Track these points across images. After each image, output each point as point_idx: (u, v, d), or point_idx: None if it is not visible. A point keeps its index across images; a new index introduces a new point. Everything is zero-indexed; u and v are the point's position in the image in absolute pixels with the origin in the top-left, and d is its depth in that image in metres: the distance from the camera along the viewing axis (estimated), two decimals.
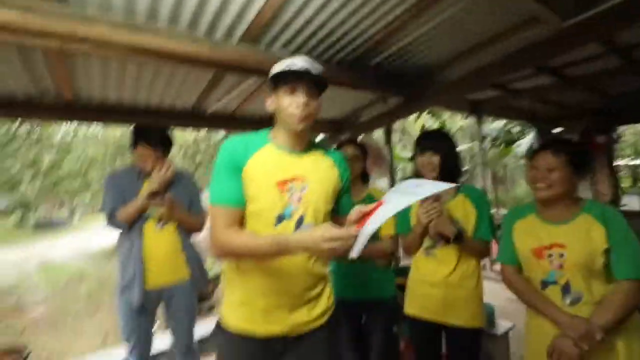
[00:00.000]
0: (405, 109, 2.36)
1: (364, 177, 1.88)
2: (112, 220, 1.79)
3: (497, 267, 4.65)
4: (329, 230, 0.87)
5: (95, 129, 7.09)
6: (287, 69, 1.03)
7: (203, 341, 2.65)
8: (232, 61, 1.55)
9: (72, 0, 1.19)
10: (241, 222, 1.06)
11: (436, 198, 1.40)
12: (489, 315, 2.20)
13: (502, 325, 2.20)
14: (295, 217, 1.05)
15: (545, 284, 1.24)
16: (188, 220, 1.87)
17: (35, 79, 1.79)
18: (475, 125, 4.83)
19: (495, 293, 2.55)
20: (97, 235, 12.50)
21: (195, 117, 2.49)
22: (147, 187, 1.77)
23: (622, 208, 4.06)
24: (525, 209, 1.38)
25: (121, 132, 7.26)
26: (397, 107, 2.48)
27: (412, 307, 1.63)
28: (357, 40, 1.76)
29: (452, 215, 1.51)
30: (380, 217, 0.87)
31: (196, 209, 1.94)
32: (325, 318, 1.12)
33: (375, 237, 1.67)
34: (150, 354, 1.89)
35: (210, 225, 1.04)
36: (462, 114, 5.44)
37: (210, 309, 4.74)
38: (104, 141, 7.03)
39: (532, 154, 1.31)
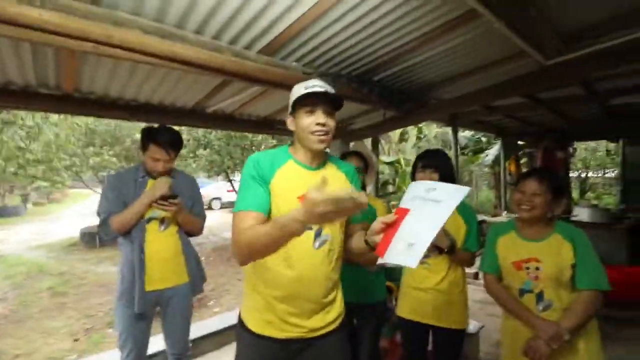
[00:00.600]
0: (399, 122, 2.53)
1: (363, 187, 2.01)
2: (104, 227, 1.72)
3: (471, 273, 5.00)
4: (314, 193, 0.82)
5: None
6: (307, 91, 1.10)
7: (194, 342, 2.66)
8: (251, 73, 1.61)
9: (105, 2, 1.20)
10: None
11: None
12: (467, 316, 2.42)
13: (474, 324, 2.43)
14: (315, 228, 1.14)
15: (522, 292, 1.45)
16: (190, 223, 1.87)
17: (39, 70, 1.74)
18: (448, 133, 5.16)
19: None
20: (54, 225, 11.72)
21: (195, 116, 2.49)
22: (152, 191, 1.71)
23: (574, 219, 4.51)
24: (507, 227, 1.59)
25: (94, 119, 6.89)
26: (391, 119, 2.64)
27: (404, 310, 1.79)
28: (365, 59, 1.89)
29: (446, 227, 1.69)
30: (429, 225, 0.89)
31: (197, 211, 1.94)
32: (339, 322, 1.22)
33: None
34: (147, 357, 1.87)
35: (234, 232, 1.05)
36: (439, 123, 5.76)
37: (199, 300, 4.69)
38: (76, 127, 6.63)
39: (518, 180, 1.51)
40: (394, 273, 2.59)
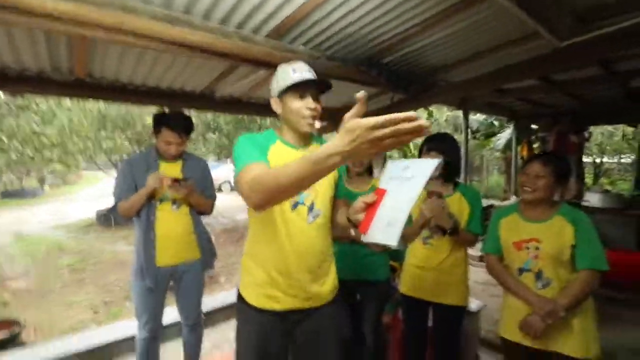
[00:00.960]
0: (407, 105, 2.52)
1: (370, 169, 2.04)
2: (114, 212, 1.83)
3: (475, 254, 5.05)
4: (352, 123, 0.69)
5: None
6: (299, 80, 1.16)
7: (207, 314, 2.81)
8: (259, 57, 1.63)
9: None
10: None
11: (439, 195, 1.59)
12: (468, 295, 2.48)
13: (475, 303, 2.49)
14: (308, 203, 1.22)
15: (521, 270, 1.50)
16: (202, 204, 1.95)
17: (53, 57, 1.79)
18: (459, 116, 5.07)
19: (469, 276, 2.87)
20: (70, 206, 12.13)
21: (204, 100, 2.53)
22: (149, 184, 1.76)
23: (584, 204, 4.47)
24: (510, 209, 1.62)
25: (105, 104, 6.99)
26: (398, 102, 2.63)
27: (406, 287, 1.86)
28: (372, 42, 1.88)
29: (449, 210, 1.72)
30: (404, 204, 0.90)
31: (208, 192, 2.03)
32: (333, 295, 1.30)
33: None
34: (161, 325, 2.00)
35: (241, 183, 0.99)
36: (449, 107, 5.66)
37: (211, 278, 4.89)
38: (88, 112, 6.76)
39: (524, 162, 1.52)
40: (398, 254, 2.65)
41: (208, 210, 2.02)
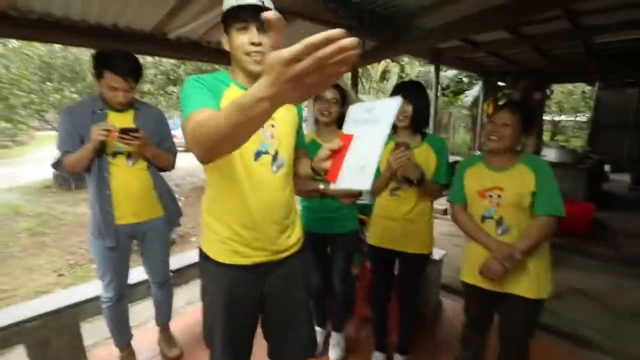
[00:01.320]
0: (378, 54, 2.38)
1: (340, 121, 1.95)
2: (59, 168, 1.63)
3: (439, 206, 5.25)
4: (269, 58, 0.52)
5: (17, 44, 5.85)
6: (236, 4, 0.96)
7: (175, 272, 2.76)
8: None
9: None
10: None
11: (407, 146, 1.54)
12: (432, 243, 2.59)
13: (438, 252, 2.62)
14: (272, 152, 1.11)
15: (483, 218, 1.53)
16: (159, 158, 1.77)
17: None
18: (431, 72, 5.00)
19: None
20: (24, 168, 11.20)
21: (155, 42, 2.23)
22: (92, 138, 1.55)
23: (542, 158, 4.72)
24: (475, 159, 1.64)
25: (47, 49, 6.13)
26: (370, 51, 2.48)
27: (374, 238, 1.88)
28: None
29: (417, 160, 1.69)
30: (374, 146, 0.85)
31: (167, 145, 1.84)
32: (299, 245, 1.26)
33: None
34: (128, 284, 1.91)
35: (185, 133, 0.86)
36: (422, 61, 5.55)
37: (172, 243, 4.79)
38: (28, 60, 5.92)
39: (493, 112, 1.49)
40: (366, 207, 2.68)
41: (168, 165, 1.84)
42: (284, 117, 1.16)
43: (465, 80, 8.74)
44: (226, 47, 1.06)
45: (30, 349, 1.80)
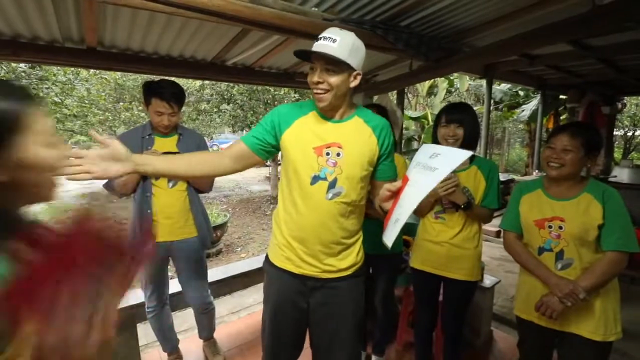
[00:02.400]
0: (428, 73, 2.37)
1: (395, 144, 1.98)
2: (109, 189, 1.80)
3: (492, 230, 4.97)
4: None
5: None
6: (309, 49, 1.10)
7: (220, 282, 2.91)
8: (269, 19, 1.54)
9: None
10: (239, 158, 1.23)
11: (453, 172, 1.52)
12: (480, 270, 2.46)
13: (490, 279, 2.47)
14: (329, 179, 1.17)
15: (541, 250, 1.41)
16: (198, 180, 1.87)
17: (63, 24, 1.76)
18: (482, 86, 4.81)
19: (484, 252, 2.84)
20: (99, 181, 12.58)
21: (215, 69, 2.47)
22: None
23: (612, 179, 4.25)
24: (533, 185, 1.51)
25: (121, 73, 7.00)
26: (419, 70, 2.48)
27: (417, 261, 1.83)
28: (391, 2, 1.74)
29: (464, 184, 1.65)
30: (411, 202, 0.86)
31: None
32: (353, 270, 1.28)
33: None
34: (169, 294, 2.05)
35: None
36: (472, 75, 5.36)
37: (218, 253, 5.06)
38: (105, 83, 6.81)
39: (550, 134, 1.41)
40: (412, 227, 2.62)
41: (206, 187, 1.95)
42: (354, 147, 1.20)
43: (521, 93, 8.22)
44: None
45: None
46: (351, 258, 1.26)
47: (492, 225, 5.13)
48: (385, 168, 1.27)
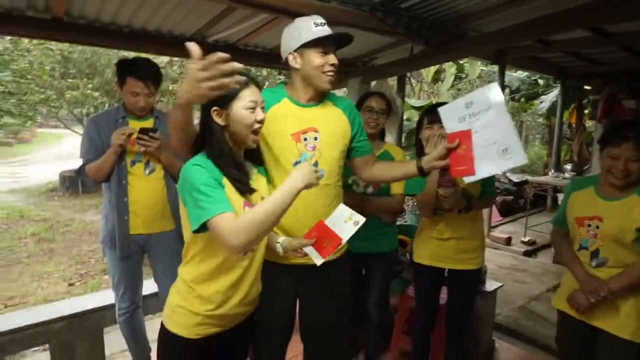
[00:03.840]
0: (431, 59, 2.61)
1: (382, 133, 2.22)
2: (82, 176, 1.96)
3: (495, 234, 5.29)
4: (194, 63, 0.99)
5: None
6: (323, 34, 1.37)
7: None
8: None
9: None
10: None
11: (453, 183, 1.77)
12: (482, 274, 2.74)
13: (492, 284, 2.75)
14: (312, 161, 1.45)
15: (580, 247, 1.70)
16: (175, 165, 1.96)
17: None
18: (496, 72, 5.08)
19: (488, 258, 3.14)
20: (28, 169, 12.41)
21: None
22: (114, 142, 1.82)
23: None
24: (587, 182, 1.77)
25: (68, 44, 6.99)
26: (421, 55, 2.73)
27: (423, 257, 2.08)
28: None
29: (461, 183, 1.89)
30: (504, 129, 1.19)
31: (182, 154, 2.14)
32: (338, 255, 1.54)
33: (385, 193, 2.09)
34: (143, 295, 2.21)
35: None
36: (483, 60, 5.67)
37: None
38: (49, 53, 6.77)
39: (605, 138, 1.58)
40: (410, 228, 2.90)
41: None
42: (329, 129, 1.50)
43: (540, 82, 8.62)
44: (295, 65, 1.44)
45: (56, 352, 2.14)
46: None
47: (502, 232, 5.49)
48: (363, 144, 1.60)
